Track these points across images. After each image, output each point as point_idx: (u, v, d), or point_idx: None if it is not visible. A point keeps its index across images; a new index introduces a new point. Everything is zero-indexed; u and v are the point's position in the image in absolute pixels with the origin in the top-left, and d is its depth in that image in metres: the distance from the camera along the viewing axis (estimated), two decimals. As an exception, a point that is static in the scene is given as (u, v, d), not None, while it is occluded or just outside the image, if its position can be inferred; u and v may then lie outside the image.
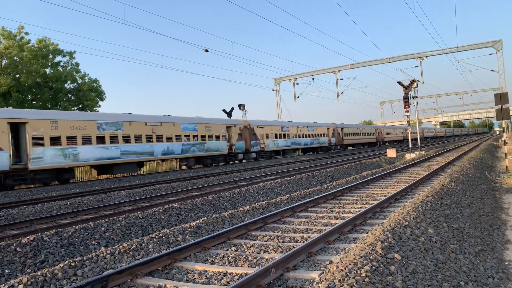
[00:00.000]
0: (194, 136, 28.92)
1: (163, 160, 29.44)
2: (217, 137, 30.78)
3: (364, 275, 4.20)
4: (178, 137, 27.48)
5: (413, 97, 34.47)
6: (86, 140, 21.88)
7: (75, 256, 7.03)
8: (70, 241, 7.46)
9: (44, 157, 19.90)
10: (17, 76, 33.53)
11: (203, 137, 29.62)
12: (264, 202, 10.37)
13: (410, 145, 33.29)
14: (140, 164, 26.13)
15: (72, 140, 21.30)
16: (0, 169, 18.28)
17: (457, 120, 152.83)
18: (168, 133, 26.81)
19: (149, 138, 25.40)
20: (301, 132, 42.39)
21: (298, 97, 51.24)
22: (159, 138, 26.13)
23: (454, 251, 6.08)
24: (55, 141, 20.54)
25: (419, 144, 36.99)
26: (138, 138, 24.75)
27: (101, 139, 22.71)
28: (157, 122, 26.28)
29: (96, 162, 22.53)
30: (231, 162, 32.76)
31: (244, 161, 34.68)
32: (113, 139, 23.29)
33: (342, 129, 53.00)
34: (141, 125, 25.10)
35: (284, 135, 39.33)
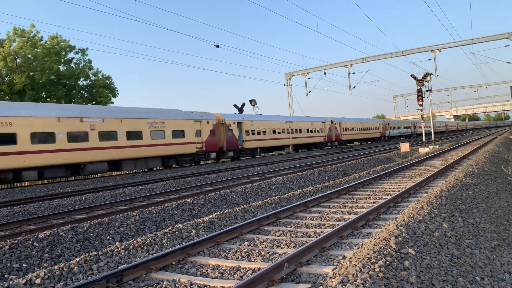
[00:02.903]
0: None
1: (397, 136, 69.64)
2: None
3: (378, 270, 4.17)
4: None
5: (427, 91, 33.96)
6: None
7: (91, 250, 7.13)
8: (86, 236, 7.58)
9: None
10: (31, 74, 34.00)
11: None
12: (276, 197, 10.37)
13: (424, 139, 32.90)
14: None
15: None
16: None
17: (472, 114, 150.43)
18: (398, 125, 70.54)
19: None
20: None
21: (309, 91, 50.90)
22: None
23: (469, 246, 6.01)
24: None
25: (433, 138, 36.55)
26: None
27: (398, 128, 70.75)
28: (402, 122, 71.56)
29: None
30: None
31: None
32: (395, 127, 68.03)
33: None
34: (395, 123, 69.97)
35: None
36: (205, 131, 28.08)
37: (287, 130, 37.75)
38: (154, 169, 25.63)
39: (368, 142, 59.87)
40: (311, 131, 42.25)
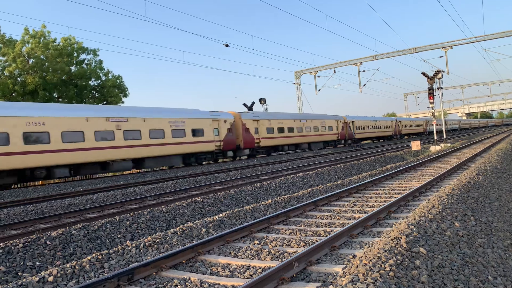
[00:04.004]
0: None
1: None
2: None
3: (388, 269, 4.15)
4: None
5: (438, 88, 33.55)
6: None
7: (102, 249, 7.21)
8: (97, 234, 7.66)
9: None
10: (43, 74, 34.43)
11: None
12: (286, 196, 10.37)
13: (435, 137, 32.58)
14: None
15: None
16: None
17: (485, 111, 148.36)
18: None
19: None
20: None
21: (319, 90, 50.71)
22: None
23: (482, 245, 5.94)
24: None
25: (444, 136, 36.15)
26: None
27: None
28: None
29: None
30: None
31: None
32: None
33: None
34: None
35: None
36: (339, 127, 45.42)
37: (374, 127, 54.42)
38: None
39: (415, 135, 71.76)
40: (385, 127, 59.59)
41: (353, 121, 49.31)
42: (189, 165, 26.68)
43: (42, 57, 34.48)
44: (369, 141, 58.25)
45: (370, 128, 53.92)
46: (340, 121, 45.91)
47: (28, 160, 17.83)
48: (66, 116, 19.47)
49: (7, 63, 33.70)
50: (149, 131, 22.98)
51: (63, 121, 19.21)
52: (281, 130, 35.30)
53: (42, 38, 34.83)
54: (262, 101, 44.85)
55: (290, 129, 36.48)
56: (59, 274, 5.05)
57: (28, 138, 17.93)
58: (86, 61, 38.27)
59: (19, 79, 34.22)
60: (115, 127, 21.14)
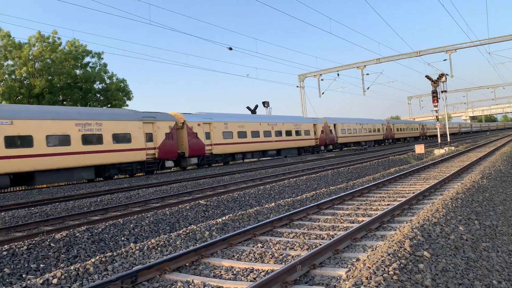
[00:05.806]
0: None
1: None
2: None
3: (392, 272, 4.14)
4: None
5: (442, 92, 33.48)
6: None
7: (106, 251, 7.22)
8: (101, 237, 7.68)
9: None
10: (49, 77, 34.63)
11: None
12: (289, 199, 10.36)
13: (439, 141, 32.47)
14: None
15: None
16: None
17: (489, 114, 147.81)
18: None
19: None
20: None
21: (323, 93, 50.66)
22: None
23: (486, 249, 5.91)
24: None
25: (448, 140, 36.01)
26: None
27: (466, 127, 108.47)
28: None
29: None
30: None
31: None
32: None
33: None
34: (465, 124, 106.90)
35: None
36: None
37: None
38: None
39: (451, 135, 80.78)
40: (432, 129, 76.82)
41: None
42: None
43: (48, 60, 34.70)
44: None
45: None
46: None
47: None
48: None
49: (14, 67, 33.92)
50: None
51: None
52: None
53: (51, 40, 35.07)
54: (265, 104, 44.92)
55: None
56: (63, 277, 5.07)
57: None
58: (90, 64, 38.50)
59: (25, 82, 34.45)
60: None
